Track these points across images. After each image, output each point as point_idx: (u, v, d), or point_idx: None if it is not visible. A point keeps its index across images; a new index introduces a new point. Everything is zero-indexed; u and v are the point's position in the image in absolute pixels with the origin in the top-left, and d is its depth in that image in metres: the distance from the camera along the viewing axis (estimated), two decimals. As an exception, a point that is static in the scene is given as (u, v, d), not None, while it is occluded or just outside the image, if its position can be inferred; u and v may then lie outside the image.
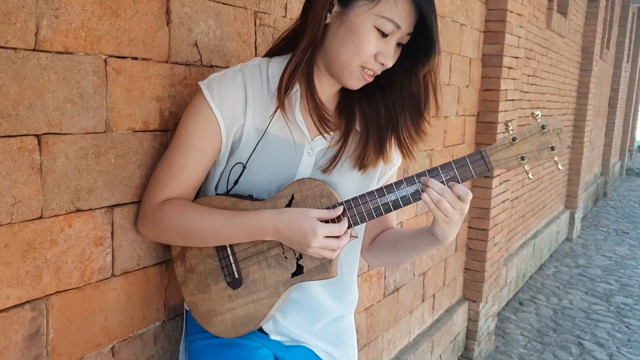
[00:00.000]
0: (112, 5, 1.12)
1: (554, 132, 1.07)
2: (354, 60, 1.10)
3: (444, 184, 1.08)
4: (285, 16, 1.61)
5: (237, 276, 1.17)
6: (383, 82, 1.19)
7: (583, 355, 3.74)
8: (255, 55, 1.51)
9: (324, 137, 1.19)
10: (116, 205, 1.19)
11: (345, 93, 1.24)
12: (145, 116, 1.22)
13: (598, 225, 7.71)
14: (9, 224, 0.99)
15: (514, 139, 1.07)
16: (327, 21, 1.11)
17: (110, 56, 1.13)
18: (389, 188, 1.10)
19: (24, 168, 1.00)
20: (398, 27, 1.07)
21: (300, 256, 1.13)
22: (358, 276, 2.24)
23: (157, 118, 1.25)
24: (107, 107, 1.14)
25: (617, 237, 7.03)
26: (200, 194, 1.24)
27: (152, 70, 1.22)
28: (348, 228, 1.11)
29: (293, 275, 1.14)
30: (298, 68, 1.13)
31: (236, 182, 1.17)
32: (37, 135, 1.02)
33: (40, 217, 1.05)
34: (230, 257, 1.17)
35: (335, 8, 1.10)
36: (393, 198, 1.10)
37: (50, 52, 1.02)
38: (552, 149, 1.07)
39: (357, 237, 1.17)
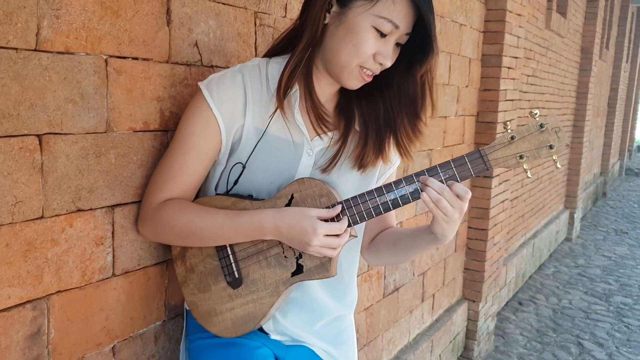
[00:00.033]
0: (113, 6, 1.12)
1: (552, 131, 1.07)
2: (352, 60, 1.10)
3: (443, 183, 1.08)
4: (285, 16, 1.61)
5: (237, 276, 1.18)
6: (382, 82, 1.19)
7: (582, 355, 3.74)
8: (256, 55, 1.51)
9: (323, 136, 1.19)
10: (117, 205, 1.19)
11: (344, 93, 1.24)
12: (146, 116, 1.23)
13: (597, 225, 7.72)
14: (10, 223, 0.99)
15: (512, 138, 1.08)
16: (326, 21, 1.12)
17: (110, 56, 1.14)
18: (388, 187, 1.11)
19: (25, 168, 1.01)
20: (396, 27, 1.07)
21: (300, 255, 1.14)
22: (358, 276, 2.25)
23: (157, 118, 1.25)
24: (107, 107, 1.14)
25: (616, 237, 7.04)
26: (200, 194, 1.25)
27: (152, 70, 1.23)
28: (348, 227, 1.11)
29: (293, 274, 1.14)
30: (297, 68, 1.13)
31: (236, 182, 1.17)
32: (38, 135, 1.02)
33: (41, 217, 1.05)
34: (230, 256, 1.18)
35: (334, 8, 1.10)
36: (392, 197, 1.10)
37: (51, 52, 1.03)
38: (551, 147, 1.07)
39: (356, 237, 1.17)
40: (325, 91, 1.21)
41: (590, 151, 7.92)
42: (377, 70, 1.13)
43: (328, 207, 1.11)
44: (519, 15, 3.38)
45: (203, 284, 1.20)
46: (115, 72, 1.15)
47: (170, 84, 1.27)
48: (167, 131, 1.28)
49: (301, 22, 1.15)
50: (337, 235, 1.08)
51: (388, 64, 1.11)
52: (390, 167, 1.31)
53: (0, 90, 0.95)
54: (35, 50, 1.00)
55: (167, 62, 1.26)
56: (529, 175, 1.11)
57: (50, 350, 1.10)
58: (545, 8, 4.63)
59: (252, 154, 1.16)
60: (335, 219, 1.10)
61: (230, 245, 1.17)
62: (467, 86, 3.10)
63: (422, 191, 1.08)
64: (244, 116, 1.15)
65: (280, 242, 1.14)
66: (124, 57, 1.16)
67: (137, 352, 1.29)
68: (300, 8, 1.17)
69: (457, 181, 1.09)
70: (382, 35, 1.08)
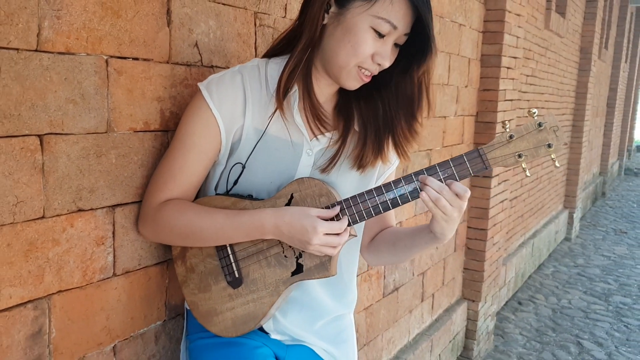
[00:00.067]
0: (113, 6, 1.13)
1: (550, 130, 1.08)
2: (351, 60, 1.10)
3: (442, 182, 1.09)
4: (285, 17, 1.62)
5: (237, 275, 1.18)
6: (380, 82, 1.19)
7: (582, 354, 3.75)
8: (256, 56, 1.52)
9: (322, 137, 1.19)
10: (117, 205, 1.20)
11: (343, 94, 1.24)
12: (146, 116, 1.23)
13: (597, 225, 7.72)
14: (11, 223, 1.00)
15: (511, 137, 1.08)
16: (325, 22, 1.12)
17: (111, 57, 1.14)
18: (387, 187, 1.11)
19: (26, 168, 1.01)
20: (395, 27, 1.07)
21: (300, 255, 1.14)
22: (357, 276, 2.25)
23: (158, 118, 1.26)
24: (108, 108, 1.15)
25: (615, 237, 7.05)
26: (200, 194, 1.25)
27: (153, 70, 1.23)
28: (347, 226, 1.11)
29: (293, 274, 1.15)
30: (296, 69, 1.13)
31: (236, 182, 1.18)
32: (39, 136, 1.03)
33: (43, 217, 1.05)
34: (230, 256, 1.18)
35: (333, 9, 1.11)
36: (391, 196, 1.11)
37: (52, 52, 1.03)
38: (549, 146, 1.08)
39: (356, 236, 1.17)
40: (324, 92, 1.21)
41: (589, 151, 7.92)
42: (376, 70, 1.13)
43: (327, 207, 1.12)
44: (518, 15, 3.38)
45: (203, 283, 1.21)
46: (115, 73, 1.15)
47: (170, 84, 1.28)
48: (168, 131, 1.29)
49: (300, 22, 1.16)
50: (337, 234, 1.09)
51: (386, 64, 1.12)
52: (389, 167, 1.31)
53: (1, 91, 0.95)
54: (36, 50, 1.00)
55: (168, 63, 1.27)
56: (528, 174, 1.11)
57: (51, 350, 1.10)
58: (544, 8, 4.64)
59: (252, 154, 1.16)
60: (335, 218, 1.11)
61: (231, 245, 1.18)
62: (466, 86, 3.11)
63: (421, 190, 1.09)
64: (244, 117, 1.16)
65: (280, 242, 1.15)
66: (125, 58, 1.17)
67: (138, 351, 1.30)
68: (299, 8, 1.17)
69: (456, 180, 1.09)
70: (381, 35, 1.08)
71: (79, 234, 1.13)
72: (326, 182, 1.18)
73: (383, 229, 1.37)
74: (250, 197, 1.18)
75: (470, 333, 3.51)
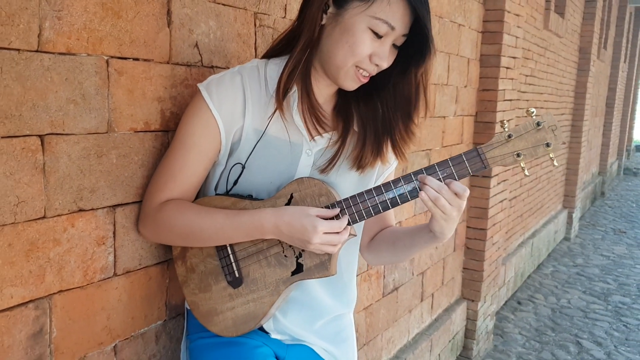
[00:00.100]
0: (114, 7, 1.13)
1: (549, 129, 1.08)
2: (348, 60, 1.10)
3: (441, 182, 1.09)
4: (284, 17, 1.62)
5: (237, 275, 1.18)
6: (379, 83, 1.19)
7: (581, 354, 3.75)
8: (256, 56, 1.52)
9: (322, 137, 1.20)
10: (118, 205, 1.20)
11: (342, 94, 1.25)
12: (147, 116, 1.23)
13: (596, 224, 7.73)
14: (12, 223, 1.00)
15: (509, 136, 1.09)
16: (323, 22, 1.12)
17: (112, 57, 1.14)
18: (386, 186, 1.11)
19: (27, 168, 1.01)
20: (392, 28, 1.07)
21: (300, 254, 1.14)
22: (357, 275, 2.26)
23: (158, 118, 1.26)
24: (109, 108, 1.15)
25: (614, 237, 7.05)
26: (200, 195, 1.25)
27: (153, 71, 1.23)
28: (347, 226, 1.12)
29: (293, 273, 1.15)
30: (296, 70, 1.14)
31: (235, 183, 1.18)
32: (40, 136, 1.03)
33: (44, 217, 1.06)
34: (231, 256, 1.18)
35: (331, 9, 1.11)
36: (391, 196, 1.11)
37: (53, 53, 1.03)
38: (548, 145, 1.08)
39: (356, 235, 1.18)
40: (324, 92, 1.22)
41: (588, 151, 7.93)
42: (373, 71, 1.13)
43: (327, 207, 1.12)
44: (517, 15, 3.39)
45: (204, 283, 1.21)
46: (116, 73, 1.15)
47: (170, 85, 1.28)
48: (168, 131, 1.29)
49: (299, 23, 1.16)
50: (337, 233, 1.09)
51: (384, 65, 1.12)
52: (388, 167, 1.32)
53: (2, 91, 0.96)
54: (37, 51, 1.01)
55: (168, 63, 1.27)
56: (527, 174, 1.12)
57: (52, 350, 1.10)
58: (543, 8, 4.65)
59: (252, 155, 1.17)
60: (335, 217, 1.11)
61: (231, 245, 1.18)
62: (465, 86, 3.11)
63: (420, 190, 1.09)
64: (243, 117, 1.16)
65: (280, 242, 1.15)
66: (125, 58, 1.17)
67: (139, 351, 1.30)
68: (298, 9, 1.18)
69: (455, 179, 1.09)
70: (378, 36, 1.08)
71: (80, 233, 1.13)
72: (326, 182, 1.18)
73: (383, 229, 1.37)
74: (250, 197, 1.18)
75: (469, 333, 3.51)
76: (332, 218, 1.11)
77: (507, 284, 4.49)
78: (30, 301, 1.05)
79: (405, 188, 1.11)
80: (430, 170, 1.10)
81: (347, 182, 1.23)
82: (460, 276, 3.47)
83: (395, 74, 1.17)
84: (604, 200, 9.68)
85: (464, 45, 3.02)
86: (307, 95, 1.17)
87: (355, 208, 1.12)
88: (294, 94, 1.16)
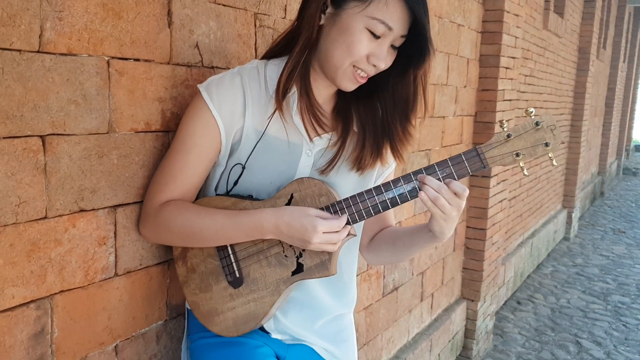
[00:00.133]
0: (115, 8, 1.13)
1: (547, 129, 1.09)
2: (345, 59, 1.10)
3: (441, 181, 1.09)
4: (284, 17, 1.62)
5: (237, 275, 1.18)
6: (379, 84, 1.20)
7: (581, 353, 3.76)
8: (256, 56, 1.53)
9: (321, 138, 1.20)
10: (119, 205, 1.20)
11: (342, 95, 1.25)
12: (148, 117, 1.24)
13: (595, 224, 7.74)
14: (14, 224, 1.00)
15: (508, 136, 1.09)
16: (322, 22, 1.12)
17: (112, 58, 1.15)
18: (386, 186, 1.12)
19: (28, 169, 1.02)
20: (390, 29, 1.07)
21: (300, 254, 1.15)
22: (357, 275, 2.26)
23: (159, 119, 1.27)
24: (109, 108, 1.15)
25: (614, 237, 7.06)
26: (200, 195, 1.25)
27: (154, 71, 1.24)
28: (347, 225, 1.12)
29: (293, 273, 1.15)
30: (295, 70, 1.14)
31: (236, 183, 1.18)
32: (41, 136, 1.03)
33: (45, 217, 1.06)
34: (231, 256, 1.19)
35: (329, 9, 1.11)
36: (391, 196, 1.11)
37: (54, 53, 1.04)
38: (547, 145, 1.08)
39: (355, 235, 1.18)
40: (323, 93, 1.22)
41: (587, 151, 7.94)
42: (371, 71, 1.13)
43: (327, 207, 1.12)
44: (517, 15, 3.39)
45: (204, 283, 1.21)
46: (117, 74, 1.16)
47: (171, 85, 1.28)
48: (169, 132, 1.29)
49: (298, 24, 1.16)
50: (336, 232, 1.09)
51: (382, 65, 1.12)
52: (388, 168, 1.32)
53: (4, 92, 0.96)
54: (38, 51, 1.01)
55: (169, 63, 1.27)
56: (526, 173, 1.12)
57: (53, 350, 1.10)
58: (542, 8, 4.65)
59: (252, 155, 1.17)
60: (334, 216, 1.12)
61: (231, 245, 1.18)
62: (465, 86, 3.12)
63: (420, 190, 1.09)
64: (244, 118, 1.16)
65: (280, 242, 1.15)
66: (126, 59, 1.17)
67: (140, 351, 1.30)
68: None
69: (455, 179, 1.10)
70: (376, 36, 1.08)
71: (81, 234, 1.13)
72: (326, 182, 1.18)
73: (382, 229, 1.37)
74: (250, 197, 1.18)
75: (469, 332, 3.52)
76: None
77: (507, 284, 4.50)
78: (32, 301, 1.06)
79: (405, 188, 1.11)
80: (429, 170, 1.10)
81: (346, 182, 1.23)
82: (460, 276, 3.47)
83: (394, 75, 1.18)
84: (603, 200, 9.68)
85: (464, 46, 3.02)
86: (307, 96, 1.17)
87: (355, 208, 1.12)
88: (294, 94, 1.16)
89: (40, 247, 1.06)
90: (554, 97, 5.50)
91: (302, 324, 1.28)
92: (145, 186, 1.25)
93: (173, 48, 1.28)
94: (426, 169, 1.10)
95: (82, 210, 1.13)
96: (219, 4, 1.39)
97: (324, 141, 1.21)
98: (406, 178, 1.11)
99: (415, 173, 1.11)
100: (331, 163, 1.19)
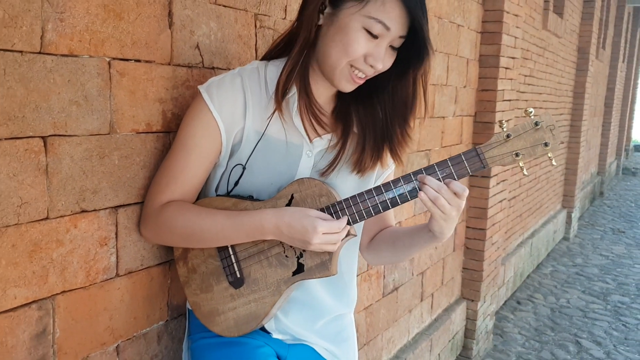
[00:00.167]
0: (116, 9, 1.14)
1: (547, 129, 1.09)
2: (342, 59, 1.10)
3: (441, 181, 1.10)
4: (285, 18, 1.63)
5: (238, 275, 1.19)
6: (379, 86, 1.20)
7: (580, 353, 3.76)
8: (256, 57, 1.53)
9: (321, 139, 1.20)
10: (120, 205, 1.21)
11: (342, 97, 1.25)
12: (149, 118, 1.24)
13: (595, 224, 7.74)
14: (16, 224, 1.01)
15: (508, 136, 1.09)
16: (320, 22, 1.13)
17: (114, 59, 1.15)
18: (386, 186, 1.12)
19: (30, 169, 1.02)
20: (387, 28, 1.07)
21: (301, 255, 1.15)
22: (357, 275, 2.26)
23: (160, 120, 1.27)
24: (111, 109, 1.16)
25: (613, 237, 7.06)
26: (201, 196, 1.26)
27: (154, 72, 1.24)
28: (347, 225, 1.12)
29: (294, 273, 1.16)
30: (294, 70, 1.14)
31: (236, 184, 1.19)
32: (43, 137, 1.03)
33: (47, 218, 1.06)
34: (232, 256, 1.19)
35: (327, 9, 1.11)
36: (391, 196, 1.12)
37: (56, 55, 1.04)
38: (546, 145, 1.09)
39: (356, 235, 1.18)
40: (323, 94, 1.22)
41: (587, 151, 7.94)
42: (369, 72, 1.13)
43: (328, 207, 1.13)
44: (516, 15, 3.40)
45: (205, 284, 1.22)
46: (118, 74, 1.16)
47: (172, 86, 1.29)
48: (170, 132, 1.30)
49: (297, 24, 1.17)
50: (336, 233, 1.10)
51: (379, 66, 1.11)
52: (387, 170, 1.32)
53: (5, 93, 0.96)
54: (39, 53, 1.01)
55: (169, 64, 1.28)
56: (526, 173, 1.12)
57: (55, 350, 1.11)
58: (542, 8, 4.66)
59: (252, 156, 1.17)
60: (334, 216, 1.12)
61: (232, 246, 1.19)
62: (465, 87, 3.12)
63: (420, 190, 1.10)
64: (244, 119, 1.17)
65: (281, 242, 1.15)
66: (127, 60, 1.18)
67: (141, 351, 1.30)
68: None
69: (455, 179, 1.10)
70: (373, 36, 1.08)
71: (83, 234, 1.14)
72: (326, 182, 1.19)
73: (382, 229, 1.38)
74: (250, 198, 1.19)
75: (469, 332, 3.52)
76: (332, 216, 1.11)
77: (507, 284, 4.50)
78: (34, 302, 1.06)
79: (405, 188, 1.11)
80: (429, 170, 1.11)
81: (347, 184, 1.24)
82: (459, 276, 3.48)
83: (394, 77, 1.18)
84: (602, 200, 9.69)
85: (463, 46, 3.03)
86: (307, 96, 1.17)
87: (355, 208, 1.12)
88: (294, 95, 1.17)
89: (42, 247, 1.06)
90: (554, 97, 5.51)
91: (303, 323, 1.28)
92: (146, 187, 1.25)
93: (174, 49, 1.28)
94: (426, 169, 1.11)
95: (83, 211, 1.13)
96: (220, 5, 1.39)
97: (324, 142, 1.21)
98: (406, 178, 1.11)
99: (415, 173, 1.11)
100: (332, 165, 1.20)
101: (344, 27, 1.08)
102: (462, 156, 1.10)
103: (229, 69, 1.35)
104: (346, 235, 1.12)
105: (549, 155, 1.11)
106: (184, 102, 1.32)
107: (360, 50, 1.09)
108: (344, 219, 1.11)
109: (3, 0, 0.94)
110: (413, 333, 2.92)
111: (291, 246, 1.15)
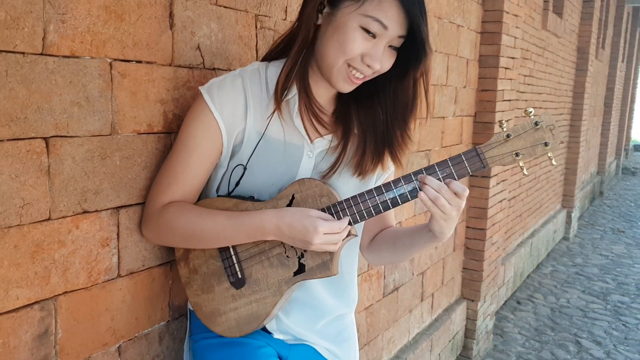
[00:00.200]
0: (117, 10, 1.14)
1: (547, 128, 1.09)
2: (339, 58, 1.10)
3: (441, 181, 1.10)
4: (285, 19, 1.63)
5: (240, 276, 1.19)
6: (379, 87, 1.20)
7: (580, 353, 3.76)
8: (257, 58, 1.53)
9: (322, 139, 1.20)
10: (122, 206, 1.21)
11: (342, 99, 1.25)
12: (150, 119, 1.24)
13: (595, 224, 7.75)
14: (18, 225, 1.01)
15: (508, 136, 1.10)
16: (319, 22, 1.13)
17: (115, 60, 1.15)
18: (387, 186, 1.12)
19: (32, 170, 1.02)
20: (385, 27, 1.07)
21: (302, 255, 1.15)
22: (358, 276, 2.26)
23: (161, 120, 1.27)
24: (112, 110, 1.16)
25: (613, 236, 7.07)
26: (202, 197, 1.26)
27: (156, 73, 1.24)
28: (348, 225, 1.12)
29: (295, 273, 1.16)
30: (293, 70, 1.15)
31: (237, 184, 1.19)
32: (44, 138, 1.04)
33: (49, 219, 1.06)
34: (233, 257, 1.19)
35: (326, 9, 1.12)
36: (391, 196, 1.12)
37: (57, 56, 1.04)
38: (546, 144, 1.09)
39: (356, 235, 1.18)
40: (323, 94, 1.22)
41: (587, 150, 7.95)
42: (367, 72, 1.12)
43: (329, 207, 1.13)
44: (516, 16, 3.40)
45: (206, 284, 1.22)
46: (119, 75, 1.16)
47: (173, 87, 1.29)
48: (171, 133, 1.30)
49: (297, 25, 1.17)
50: (337, 233, 1.10)
51: (376, 66, 1.11)
52: (387, 171, 1.32)
53: (7, 94, 0.97)
54: (41, 54, 1.02)
55: (170, 65, 1.28)
56: (526, 173, 1.13)
57: (57, 351, 1.11)
58: (541, 9, 4.66)
59: (253, 156, 1.18)
60: (335, 216, 1.12)
61: (233, 246, 1.19)
62: (464, 87, 3.12)
63: (420, 189, 1.10)
64: (245, 120, 1.17)
65: (282, 242, 1.16)
66: (128, 61, 1.18)
67: (142, 351, 1.31)
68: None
69: (455, 179, 1.10)
70: (372, 35, 1.08)
71: (84, 235, 1.14)
72: (327, 182, 1.19)
73: (383, 229, 1.38)
74: (251, 198, 1.19)
75: (469, 332, 3.52)
76: (332, 216, 1.12)
77: (507, 284, 4.50)
78: (36, 302, 1.06)
79: (405, 188, 1.12)
80: (429, 170, 1.11)
81: (347, 185, 1.24)
82: (460, 276, 3.48)
83: (394, 79, 1.18)
84: (602, 199, 9.69)
85: (463, 46, 3.03)
86: (307, 96, 1.17)
87: (356, 208, 1.13)
88: (295, 96, 1.17)
89: (44, 248, 1.06)
90: (553, 97, 5.51)
91: (304, 324, 1.29)
92: (148, 187, 1.25)
93: (175, 50, 1.29)
94: (426, 169, 1.11)
95: (85, 212, 1.13)
96: (220, 6, 1.39)
97: (325, 142, 1.21)
98: (406, 178, 1.12)
99: (416, 173, 1.11)
100: (333, 167, 1.20)
101: (341, 26, 1.09)
102: (462, 156, 1.10)
103: (230, 70, 1.36)
104: (347, 235, 1.13)
105: (549, 155, 1.11)
106: (185, 103, 1.32)
107: (357, 49, 1.09)
108: (345, 219, 1.11)
109: (5, 1, 0.94)
110: (413, 333, 2.93)
111: (292, 246, 1.15)
